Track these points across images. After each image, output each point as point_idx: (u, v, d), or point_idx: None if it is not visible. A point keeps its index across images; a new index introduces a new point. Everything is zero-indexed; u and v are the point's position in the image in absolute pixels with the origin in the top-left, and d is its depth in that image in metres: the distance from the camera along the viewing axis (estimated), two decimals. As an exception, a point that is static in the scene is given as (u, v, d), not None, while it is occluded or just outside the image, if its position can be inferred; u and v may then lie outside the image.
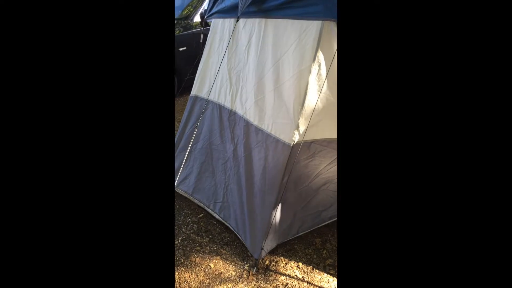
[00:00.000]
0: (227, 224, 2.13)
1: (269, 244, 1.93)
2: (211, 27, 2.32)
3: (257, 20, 1.93)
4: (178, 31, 4.11)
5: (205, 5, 4.31)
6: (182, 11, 4.45)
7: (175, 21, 4.35)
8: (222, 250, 2.02)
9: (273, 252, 2.00)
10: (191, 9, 4.41)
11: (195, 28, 4.20)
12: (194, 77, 3.22)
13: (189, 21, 4.28)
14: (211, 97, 2.29)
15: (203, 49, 2.34)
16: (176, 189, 2.47)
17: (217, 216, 2.19)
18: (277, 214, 1.90)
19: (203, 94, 2.33)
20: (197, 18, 4.26)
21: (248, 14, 1.92)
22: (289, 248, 2.06)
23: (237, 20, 1.91)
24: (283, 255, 2.01)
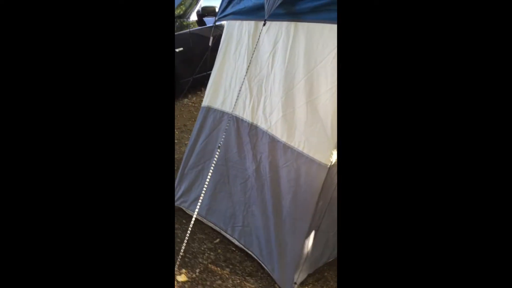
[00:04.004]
0: (249, 252, 1.90)
1: (301, 276, 1.73)
2: (225, 29, 2.07)
3: (284, 23, 1.70)
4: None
5: (201, 3, 4.04)
6: (176, 10, 4.15)
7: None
8: (247, 283, 1.80)
9: (302, 283, 1.80)
10: (184, 8, 4.12)
11: (192, 28, 3.92)
12: (190, 80, 2.96)
13: (185, 19, 3.99)
14: (226, 109, 2.05)
15: (218, 54, 2.08)
16: (187, 211, 2.22)
17: (236, 242, 1.97)
18: (309, 243, 1.70)
19: (217, 105, 2.09)
20: (193, 17, 3.98)
21: (274, 16, 1.69)
22: (319, 276, 1.86)
23: (264, 24, 1.68)
24: (313, 285, 1.81)
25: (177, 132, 3.38)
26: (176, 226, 2.19)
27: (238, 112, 1.96)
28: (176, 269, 1.82)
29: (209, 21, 3.97)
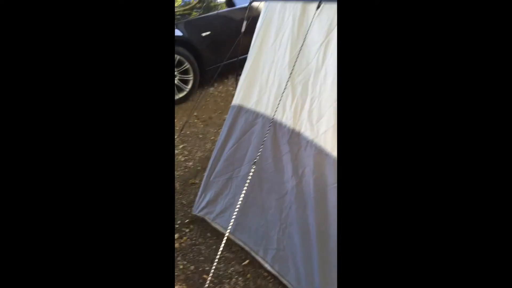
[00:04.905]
0: (285, 282, 1.61)
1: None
2: (262, 13, 1.72)
3: (342, 6, 1.34)
4: (195, 13, 3.47)
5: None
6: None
7: (196, 1, 3.71)
8: (282, 321, 1.52)
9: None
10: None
11: (220, 9, 3.56)
12: (219, 67, 2.65)
13: (213, 0, 3.64)
14: (261, 109, 1.72)
15: (252, 43, 1.74)
16: (212, 223, 1.96)
17: (268, 267, 1.68)
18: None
19: (251, 104, 1.77)
20: (222, -3, 3.62)
21: (330, -3, 1.33)
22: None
23: (318, 7, 1.32)
24: (361, 327, 1.51)
25: (202, 126, 3.10)
26: (199, 240, 1.93)
27: (277, 115, 1.63)
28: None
29: (239, 2, 3.61)
